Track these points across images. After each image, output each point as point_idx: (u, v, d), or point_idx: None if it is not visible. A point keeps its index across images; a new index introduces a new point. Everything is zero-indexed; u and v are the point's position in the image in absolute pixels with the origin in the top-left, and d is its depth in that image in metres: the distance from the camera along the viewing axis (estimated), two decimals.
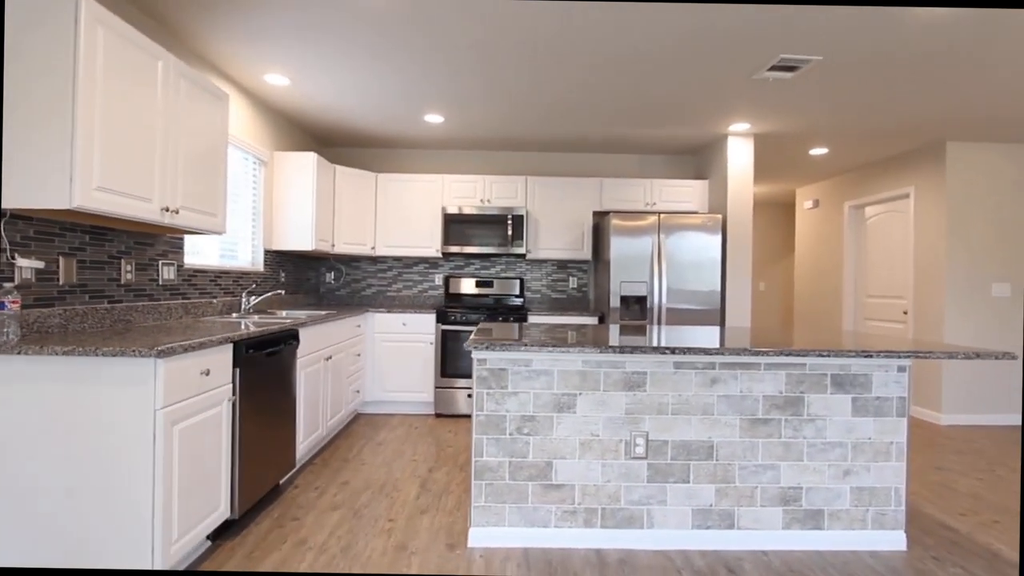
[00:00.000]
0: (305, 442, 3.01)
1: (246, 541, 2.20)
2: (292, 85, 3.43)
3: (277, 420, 2.61)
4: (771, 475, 2.25)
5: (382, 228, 4.65)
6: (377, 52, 2.91)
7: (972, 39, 2.58)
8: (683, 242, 4.17)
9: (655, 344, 2.12)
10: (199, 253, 3.09)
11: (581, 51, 2.85)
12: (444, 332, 4.31)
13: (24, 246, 1.93)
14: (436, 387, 4.31)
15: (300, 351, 2.89)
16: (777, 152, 4.79)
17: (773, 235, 7.63)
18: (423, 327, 4.33)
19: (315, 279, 4.89)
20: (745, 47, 2.75)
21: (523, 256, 4.70)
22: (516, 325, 2.94)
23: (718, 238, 4.18)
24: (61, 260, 2.09)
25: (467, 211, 4.55)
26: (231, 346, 2.16)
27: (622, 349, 2.04)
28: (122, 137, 1.95)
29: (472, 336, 2.25)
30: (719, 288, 4.19)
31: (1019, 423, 4.39)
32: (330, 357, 3.39)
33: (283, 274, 4.17)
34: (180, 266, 2.85)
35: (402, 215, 4.65)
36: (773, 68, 2.99)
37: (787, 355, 2.05)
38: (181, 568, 1.96)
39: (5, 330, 1.73)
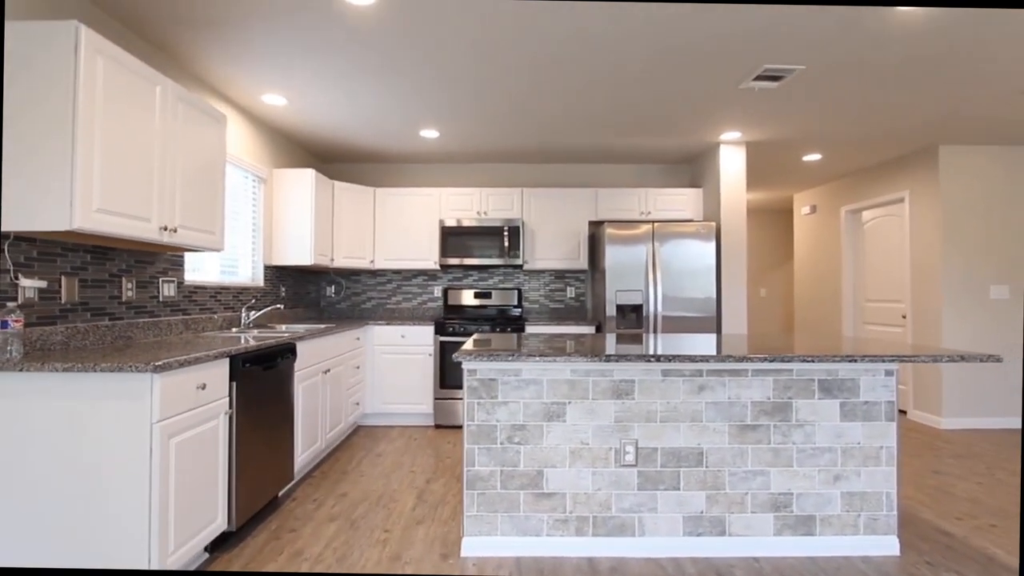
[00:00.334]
0: (304, 454, 3.05)
1: (243, 553, 2.24)
2: (289, 104, 3.52)
3: (275, 433, 2.65)
4: (761, 481, 2.27)
5: (381, 242, 4.72)
6: (370, 72, 2.99)
7: (953, 44, 2.63)
8: (677, 250, 4.20)
9: (646, 353, 2.15)
10: (199, 270, 3.16)
11: (568, 69, 2.92)
12: (443, 344, 4.35)
13: (27, 266, 2.00)
14: (436, 398, 4.35)
15: (298, 365, 2.94)
16: (770, 159, 4.83)
17: (773, 241, 7.65)
18: (422, 339, 4.38)
19: (316, 293, 4.96)
20: (729, 59, 2.81)
21: (520, 267, 4.75)
22: (514, 335, 2.98)
23: (712, 245, 4.21)
24: (63, 279, 2.16)
25: (464, 223, 4.62)
26: (227, 360, 2.22)
27: (608, 358, 2.07)
28: (121, 160, 2.03)
29: (463, 347, 2.29)
30: (715, 295, 4.21)
31: (1019, 426, 4.36)
32: (328, 370, 3.44)
33: (283, 289, 4.24)
34: (180, 283, 2.92)
35: (400, 228, 4.72)
36: (758, 78, 3.04)
37: (771, 361, 2.08)
38: None
39: (9, 348, 1.79)
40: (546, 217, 4.72)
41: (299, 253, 4.01)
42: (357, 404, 4.10)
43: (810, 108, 3.54)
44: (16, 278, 1.94)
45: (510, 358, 2.10)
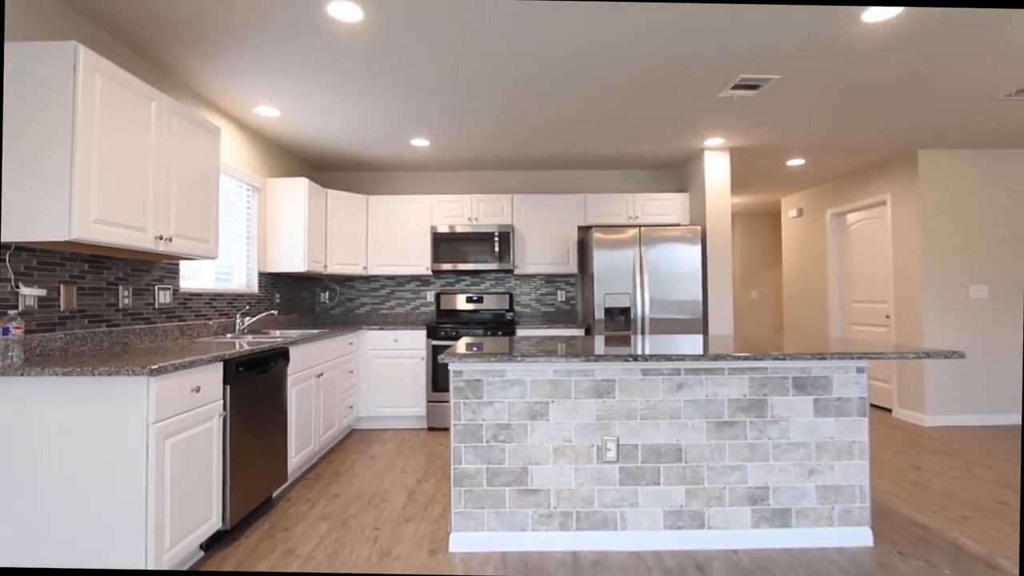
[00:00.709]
0: (297, 456, 3.12)
1: (237, 551, 2.30)
2: (282, 116, 3.61)
3: (268, 435, 2.72)
4: (738, 475, 2.35)
5: (374, 248, 4.80)
6: (359, 85, 3.09)
7: (923, 55, 2.73)
8: (664, 254, 4.30)
9: (627, 353, 2.23)
10: (195, 277, 3.24)
11: (550, 82, 3.02)
12: (435, 347, 4.43)
13: (27, 275, 2.08)
14: (428, 401, 4.42)
15: (291, 369, 3.02)
16: (755, 164, 4.94)
17: (762, 244, 7.76)
18: (414, 343, 4.46)
19: (310, 299, 5.04)
20: (707, 69, 2.91)
21: (511, 271, 4.84)
22: (505, 339, 3.06)
23: (698, 249, 4.30)
24: (62, 288, 2.23)
25: (456, 230, 4.71)
26: (221, 364, 2.29)
27: (588, 358, 2.15)
28: (118, 172, 2.11)
29: (449, 349, 2.38)
30: (701, 297, 4.30)
31: (1002, 423, 4.45)
32: (322, 374, 3.52)
33: (278, 295, 4.32)
34: (176, 290, 2.99)
35: (393, 235, 4.80)
36: (736, 87, 3.15)
37: (745, 360, 2.17)
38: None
39: (10, 354, 1.87)
40: (536, 223, 4.81)
41: (293, 260, 4.09)
42: (351, 407, 4.17)
43: (789, 116, 3.65)
44: (17, 287, 2.02)
45: (494, 359, 2.19)
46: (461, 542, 2.30)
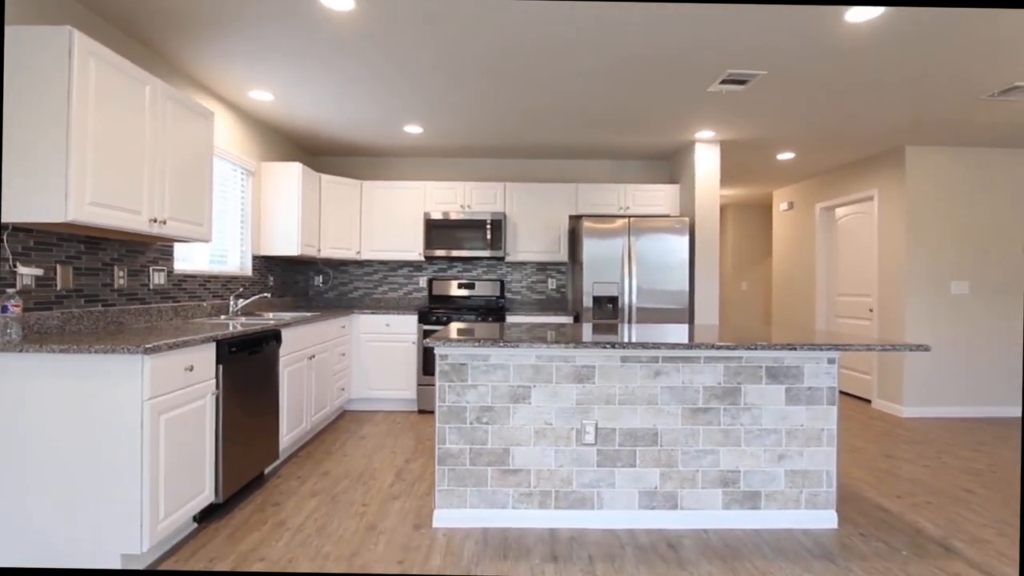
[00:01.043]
0: (289, 435, 3.21)
1: (230, 523, 2.40)
2: (276, 100, 3.64)
3: (260, 414, 2.81)
4: (711, 459, 2.45)
5: (367, 233, 4.86)
6: (350, 73, 3.12)
7: (904, 55, 2.78)
8: (652, 244, 4.37)
9: (606, 340, 2.31)
10: (189, 259, 3.30)
11: (534, 71, 3.06)
12: (426, 332, 4.51)
13: (25, 255, 2.14)
14: (419, 384, 4.52)
15: (283, 350, 3.09)
16: (746, 157, 4.99)
17: (754, 236, 7.83)
18: (406, 328, 4.54)
19: (304, 282, 5.10)
20: (693, 64, 2.95)
21: (503, 259, 4.91)
22: (496, 325, 3.13)
23: (686, 240, 4.37)
24: (59, 268, 2.29)
25: (449, 216, 4.76)
26: (214, 345, 2.37)
27: (568, 344, 2.24)
28: (113, 156, 2.16)
29: (435, 334, 2.45)
30: (687, 288, 4.38)
31: (977, 415, 4.58)
32: (314, 356, 3.60)
33: (272, 278, 4.38)
34: (170, 272, 3.05)
35: (387, 221, 4.86)
36: (724, 82, 3.19)
37: (719, 349, 2.25)
38: (170, 545, 2.16)
39: (8, 331, 1.94)
40: (528, 211, 4.87)
41: (286, 244, 4.14)
42: (343, 389, 4.26)
43: (777, 110, 3.70)
44: (14, 266, 2.08)
45: (478, 344, 2.27)
46: (444, 518, 2.41)
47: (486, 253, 4.75)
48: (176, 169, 2.58)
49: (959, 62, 2.86)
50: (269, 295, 3.88)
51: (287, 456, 3.34)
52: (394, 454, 3.44)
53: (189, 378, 2.17)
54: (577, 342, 2.24)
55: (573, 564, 2.10)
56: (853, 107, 3.60)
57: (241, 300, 3.69)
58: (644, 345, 2.24)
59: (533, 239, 4.88)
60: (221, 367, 2.41)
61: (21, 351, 1.86)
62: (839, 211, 5.58)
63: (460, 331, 2.68)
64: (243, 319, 3.31)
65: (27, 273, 2.12)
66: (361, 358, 4.52)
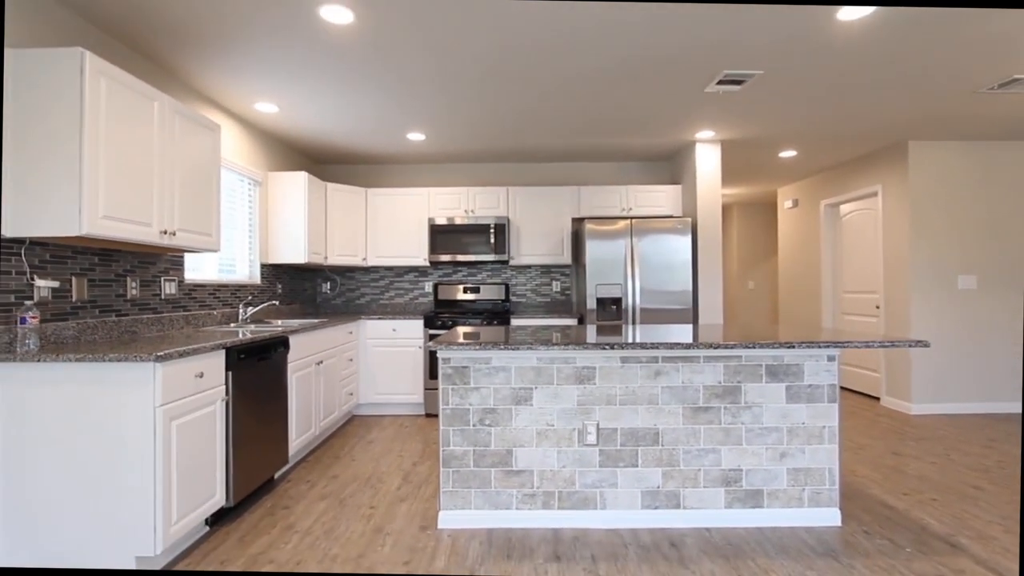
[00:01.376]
0: (298, 440, 3.27)
1: (240, 526, 2.46)
2: (281, 112, 3.72)
3: (270, 419, 2.87)
4: (713, 458, 2.47)
5: (373, 240, 4.93)
6: (351, 83, 3.19)
7: (900, 52, 2.80)
8: (655, 245, 4.39)
9: (605, 342, 2.35)
10: (199, 269, 3.38)
11: (534, 71, 3.10)
12: (432, 336, 4.56)
13: (41, 268, 2.22)
14: (425, 388, 4.57)
15: (291, 356, 3.16)
16: (748, 156, 5.00)
17: (759, 235, 7.81)
18: (412, 332, 4.60)
19: (311, 289, 5.18)
20: (690, 65, 2.98)
21: (507, 262, 4.95)
22: (501, 328, 3.17)
23: (688, 240, 4.39)
24: (74, 280, 2.37)
25: (453, 221, 4.82)
26: (223, 352, 2.43)
27: (568, 346, 2.27)
28: (124, 171, 2.24)
29: (438, 337, 2.50)
30: (691, 288, 4.40)
31: (987, 411, 4.54)
32: (321, 362, 3.66)
33: (280, 286, 4.46)
34: (181, 281, 3.13)
35: (392, 227, 4.92)
36: (721, 82, 3.22)
37: (719, 348, 2.28)
38: (184, 547, 2.22)
39: (27, 342, 2.02)
40: (531, 214, 4.91)
41: (294, 252, 4.22)
42: (351, 394, 4.32)
43: (776, 109, 3.71)
44: (32, 279, 2.16)
45: (479, 347, 2.31)
46: (449, 520, 2.45)
47: (490, 257, 4.80)
48: (185, 181, 2.66)
49: (956, 57, 2.86)
50: (278, 303, 3.95)
51: (297, 461, 3.41)
52: (401, 457, 3.48)
53: (200, 385, 2.24)
54: (577, 343, 2.27)
55: (576, 564, 2.13)
56: (852, 104, 3.61)
57: (250, 308, 3.77)
58: (643, 345, 2.27)
59: (536, 242, 4.92)
60: (230, 374, 2.47)
61: (39, 361, 1.93)
62: (844, 208, 5.56)
63: (466, 335, 2.72)
64: (252, 326, 3.38)
65: (44, 285, 2.20)
66: (368, 363, 4.58)
